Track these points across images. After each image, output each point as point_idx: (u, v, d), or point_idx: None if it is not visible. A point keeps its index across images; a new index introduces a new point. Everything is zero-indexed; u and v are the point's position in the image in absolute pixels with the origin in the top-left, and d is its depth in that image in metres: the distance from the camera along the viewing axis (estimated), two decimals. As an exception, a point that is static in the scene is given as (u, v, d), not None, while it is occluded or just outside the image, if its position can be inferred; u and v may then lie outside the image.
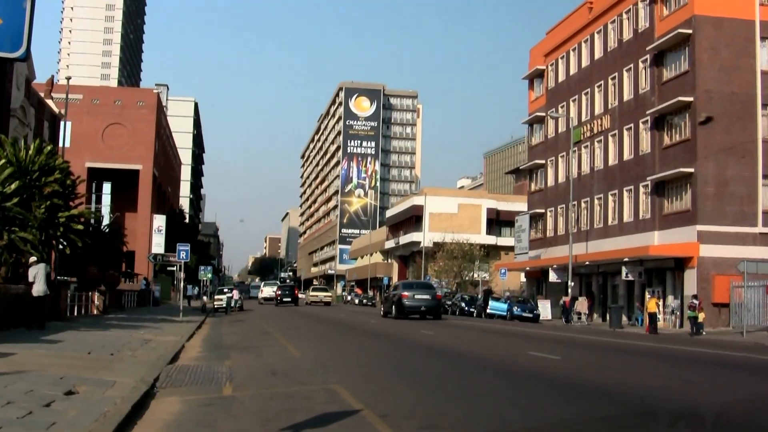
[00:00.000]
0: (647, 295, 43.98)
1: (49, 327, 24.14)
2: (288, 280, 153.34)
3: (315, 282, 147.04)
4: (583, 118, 55.18)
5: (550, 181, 60.64)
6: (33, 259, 24.84)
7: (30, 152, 28.74)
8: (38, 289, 23.73)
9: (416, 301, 42.86)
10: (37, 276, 23.80)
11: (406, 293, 43.47)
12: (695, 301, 37.09)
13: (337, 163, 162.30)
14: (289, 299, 69.87)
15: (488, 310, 53.73)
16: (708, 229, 41.57)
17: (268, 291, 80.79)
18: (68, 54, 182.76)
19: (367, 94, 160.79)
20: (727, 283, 39.84)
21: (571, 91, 57.51)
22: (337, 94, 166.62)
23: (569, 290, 48.80)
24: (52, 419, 8.54)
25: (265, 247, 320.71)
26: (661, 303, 41.81)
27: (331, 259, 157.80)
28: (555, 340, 27.96)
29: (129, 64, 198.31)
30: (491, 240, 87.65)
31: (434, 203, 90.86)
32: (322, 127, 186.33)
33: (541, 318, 51.56)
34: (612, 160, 50.97)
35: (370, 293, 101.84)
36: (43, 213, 28.22)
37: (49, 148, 30.61)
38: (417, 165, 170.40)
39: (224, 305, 51.75)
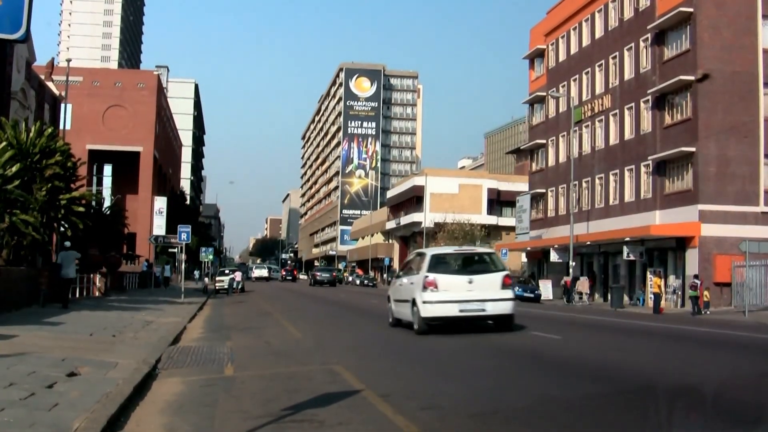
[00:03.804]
0: (649, 275, 43.96)
1: (50, 309, 24.24)
2: (290, 262, 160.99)
3: (316, 263, 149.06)
4: (584, 98, 55.02)
5: (551, 161, 60.54)
6: (67, 244, 28.13)
7: (31, 135, 28.75)
8: (67, 272, 26.67)
9: (322, 277, 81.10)
10: (67, 261, 26.74)
11: (317, 273, 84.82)
12: (697, 281, 37.08)
13: (338, 144, 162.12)
14: (290, 278, 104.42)
15: (489, 291, 53.66)
16: (709, 209, 41.52)
17: (258, 272, 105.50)
18: (68, 36, 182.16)
19: (368, 74, 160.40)
20: (728, 262, 39.80)
21: (571, 71, 57.31)
22: (338, 75, 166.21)
23: (570, 270, 48.81)
24: (54, 400, 8.58)
25: (266, 229, 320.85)
26: (662, 283, 41.80)
27: (332, 239, 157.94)
28: (556, 320, 28.01)
29: (129, 45, 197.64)
30: (492, 220, 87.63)
31: (435, 183, 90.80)
32: (323, 107, 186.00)
33: (542, 298, 51.62)
34: (613, 140, 50.87)
35: (371, 274, 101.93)
36: (44, 195, 28.25)
37: (49, 130, 30.60)
38: (418, 145, 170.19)
39: (226, 286, 51.87)
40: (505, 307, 19.19)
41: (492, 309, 18.94)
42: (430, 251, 21.26)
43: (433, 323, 18.90)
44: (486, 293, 18.83)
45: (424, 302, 18.72)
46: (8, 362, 11.34)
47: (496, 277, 19.18)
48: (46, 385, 9.53)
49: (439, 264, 19.64)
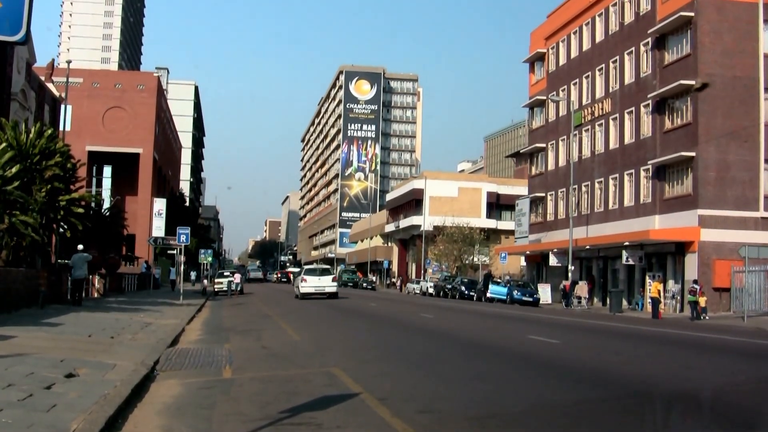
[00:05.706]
0: (648, 280, 43.95)
1: (49, 310, 24.24)
2: (288, 264, 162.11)
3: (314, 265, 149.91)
4: (584, 102, 55.02)
5: (551, 165, 60.54)
6: (80, 247, 29.76)
7: (31, 136, 28.74)
8: (78, 273, 28.46)
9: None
10: (79, 263, 28.35)
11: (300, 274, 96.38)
12: (696, 286, 37.05)
13: (338, 147, 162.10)
14: (285, 279, 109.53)
15: (488, 294, 53.74)
16: (709, 214, 41.51)
17: (254, 273, 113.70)
18: (68, 37, 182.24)
19: (368, 77, 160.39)
20: (727, 267, 39.79)
21: (571, 75, 57.33)
22: (338, 78, 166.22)
23: (569, 274, 48.79)
24: (52, 401, 8.58)
25: (266, 231, 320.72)
26: (661, 287, 41.76)
27: (332, 242, 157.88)
28: (554, 324, 28.01)
29: (129, 47, 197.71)
30: (491, 224, 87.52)
31: (434, 187, 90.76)
32: (323, 110, 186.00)
33: (540, 302, 51.59)
34: (613, 144, 50.86)
35: (371, 276, 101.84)
36: (44, 196, 28.24)
37: (49, 131, 30.60)
38: (417, 148, 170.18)
39: (225, 288, 51.82)
40: (333, 289, 44.74)
41: (328, 290, 44.36)
42: (306, 267, 51.52)
43: (304, 295, 44.05)
44: (325, 283, 44.57)
45: (301, 287, 44.70)
46: (7, 363, 11.33)
47: (330, 277, 45.42)
48: (44, 386, 9.53)
49: (308, 272, 46.74)
